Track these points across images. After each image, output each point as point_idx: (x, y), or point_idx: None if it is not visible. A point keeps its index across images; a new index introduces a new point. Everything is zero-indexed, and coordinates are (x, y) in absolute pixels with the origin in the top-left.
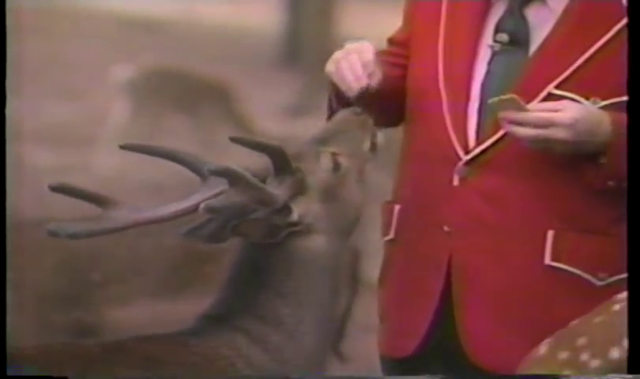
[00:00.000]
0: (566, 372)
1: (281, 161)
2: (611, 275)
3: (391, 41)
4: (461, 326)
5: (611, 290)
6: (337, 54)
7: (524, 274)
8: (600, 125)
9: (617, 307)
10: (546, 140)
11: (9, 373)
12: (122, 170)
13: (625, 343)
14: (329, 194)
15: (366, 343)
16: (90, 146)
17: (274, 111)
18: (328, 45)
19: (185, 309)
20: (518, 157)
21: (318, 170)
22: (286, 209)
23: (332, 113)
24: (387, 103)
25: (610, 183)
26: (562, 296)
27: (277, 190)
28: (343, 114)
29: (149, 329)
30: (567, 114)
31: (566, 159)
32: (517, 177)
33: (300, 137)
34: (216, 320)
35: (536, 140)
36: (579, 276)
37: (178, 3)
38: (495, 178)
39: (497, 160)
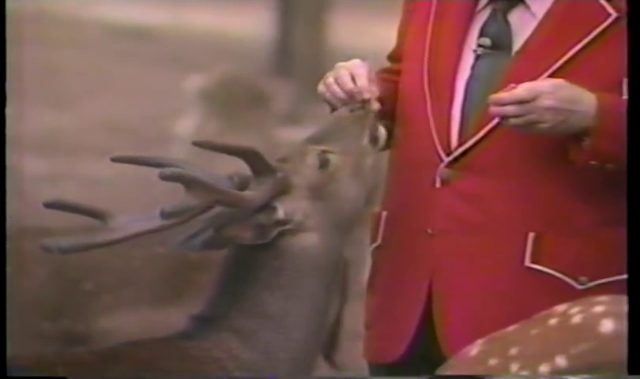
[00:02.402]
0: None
1: (256, 163)
2: (592, 279)
3: (389, 58)
4: (441, 329)
5: (592, 293)
6: (328, 75)
7: (504, 276)
8: (584, 95)
9: (553, 321)
10: (532, 111)
11: (10, 373)
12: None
13: (557, 360)
14: (318, 191)
15: (354, 351)
16: (82, 154)
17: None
18: (319, 54)
19: (176, 318)
20: (500, 159)
21: (304, 169)
22: (270, 208)
23: None
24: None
25: (592, 163)
26: (543, 299)
27: (255, 192)
28: (338, 112)
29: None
30: (549, 81)
31: (551, 143)
32: (499, 178)
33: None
34: (205, 321)
35: (522, 115)
36: (560, 279)
37: (169, 12)
38: (476, 179)
39: (478, 162)
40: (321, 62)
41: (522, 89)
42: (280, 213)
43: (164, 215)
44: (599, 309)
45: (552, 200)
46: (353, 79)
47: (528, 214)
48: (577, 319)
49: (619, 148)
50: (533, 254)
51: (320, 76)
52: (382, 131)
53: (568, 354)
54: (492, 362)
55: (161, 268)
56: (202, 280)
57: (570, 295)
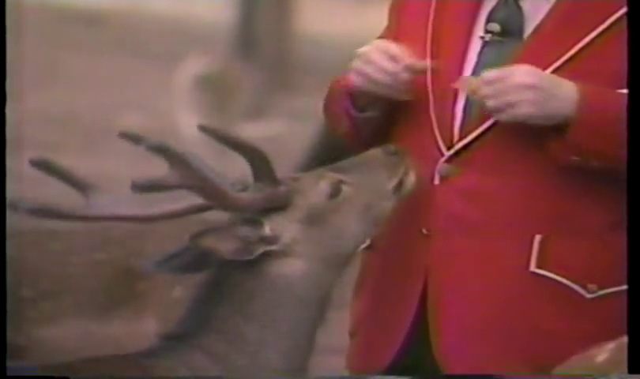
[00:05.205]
0: None
1: (259, 165)
2: (601, 287)
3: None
4: (435, 336)
5: (601, 303)
6: (357, 63)
7: (506, 281)
8: (562, 81)
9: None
10: (508, 90)
11: (9, 373)
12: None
13: None
14: (316, 219)
15: (329, 366)
16: (23, 150)
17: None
18: (284, 40)
19: (117, 328)
20: (503, 155)
21: (312, 192)
22: (256, 222)
23: (353, 126)
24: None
25: (574, 158)
26: (548, 307)
27: (245, 194)
28: (374, 151)
29: (80, 349)
30: (524, 64)
31: (532, 131)
32: (503, 175)
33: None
34: (176, 340)
35: (498, 95)
36: (567, 286)
37: None
38: (478, 176)
39: (481, 157)
40: (286, 49)
41: (493, 70)
42: (267, 229)
43: (136, 187)
44: None
45: (558, 200)
46: (387, 55)
47: (533, 215)
48: None
49: (604, 144)
50: (539, 258)
51: (286, 63)
52: (411, 179)
53: None
54: None
55: (102, 276)
56: (144, 290)
57: (578, 304)
